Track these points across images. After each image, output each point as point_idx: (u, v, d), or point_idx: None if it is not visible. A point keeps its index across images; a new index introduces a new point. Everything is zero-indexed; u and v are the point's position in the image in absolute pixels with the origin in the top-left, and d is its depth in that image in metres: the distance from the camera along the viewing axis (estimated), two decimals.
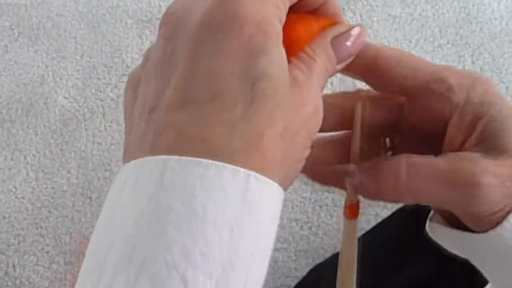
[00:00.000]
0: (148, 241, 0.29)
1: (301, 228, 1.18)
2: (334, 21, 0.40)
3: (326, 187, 0.45)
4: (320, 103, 0.35)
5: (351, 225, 0.45)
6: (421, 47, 1.42)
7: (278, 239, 1.17)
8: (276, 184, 0.32)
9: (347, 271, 0.46)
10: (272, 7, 0.33)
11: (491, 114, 0.36)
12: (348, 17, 1.48)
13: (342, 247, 0.46)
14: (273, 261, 1.14)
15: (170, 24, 0.35)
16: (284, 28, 0.34)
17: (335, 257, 0.89)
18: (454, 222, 0.40)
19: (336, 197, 1.20)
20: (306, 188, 1.22)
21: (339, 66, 0.38)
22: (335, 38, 0.38)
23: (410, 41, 1.43)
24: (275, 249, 1.14)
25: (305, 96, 0.33)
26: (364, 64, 0.41)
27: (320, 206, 1.20)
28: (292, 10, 0.35)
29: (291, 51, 0.34)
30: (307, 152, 0.34)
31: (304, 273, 1.03)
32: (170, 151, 0.30)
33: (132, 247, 0.29)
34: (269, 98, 0.31)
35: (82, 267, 0.32)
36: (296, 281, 1.07)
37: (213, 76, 0.31)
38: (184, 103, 0.31)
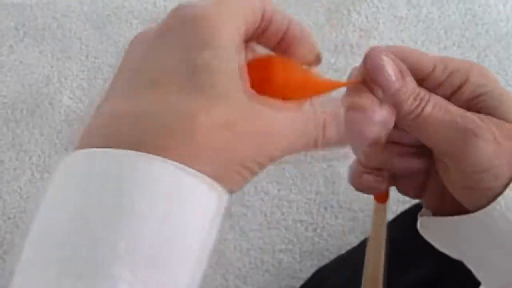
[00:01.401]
0: (75, 238, 0.29)
1: (306, 229, 1.18)
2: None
3: (330, 189, 0.45)
4: (285, 133, 0.34)
5: (381, 208, 0.46)
6: (426, 48, 1.42)
7: (283, 240, 1.17)
8: (207, 178, 0.31)
9: (375, 254, 0.47)
10: (228, 13, 0.33)
11: (487, 91, 0.39)
12: (354, 19, 1.48)
13: (371, 230, 0.47)
14: (278, 262, 1.14)
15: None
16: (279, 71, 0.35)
17: (340, 259, 0.89)
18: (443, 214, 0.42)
19: (341, 199, 1.20)
20: (311, 190, 1.22)
21: (346, 142, 0.38)
22: (352, 108, 0.37)
23: (416, 43, 1.43)
24: (280, 250, 1.14)
25: (266, 114, 0.33)
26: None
27: (325, 208, 1.20)
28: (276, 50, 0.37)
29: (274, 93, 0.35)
30: (257, 165, 0.33)
31: (309, 275, 1.03)
32: (105, 143, 0.30)
33: (61, 245, 0.29)
34: (210, 89, 0.31)
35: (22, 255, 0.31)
36: (301, 282, 1.07)
37: (155, 67, 0.32)
38: (126, 94, 0.32)
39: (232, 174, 0.32)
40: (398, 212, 0.89)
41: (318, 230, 1.17)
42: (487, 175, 0.37)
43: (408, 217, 0.83)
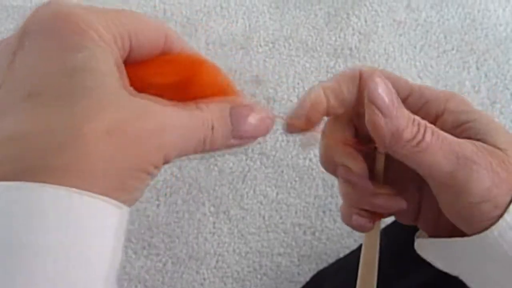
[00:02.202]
0: None
1: (304, 233, 1.18)
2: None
3: (329, 192, 0.46)
4: (176, 127, 0.32)
5: (372, 229, 0.46)
6: (425, 52, 1.42)
7: (281, 243, 1.17)
8: (101, 198, 0.28)
9: (368, 268, 0.47)
10: (95, 16, 0.31)
11: (474, 119, 0.39)
12: (353, 23, 1.48)
13: (363, 250, 0.47)
14: (276, 266, 1.14)
15: None
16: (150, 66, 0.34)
17: (338, 263, 0.89)
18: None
19: (340, 202, 1.20)
20: (309, 193, 1.21)
21: (234, 141, 0.35)
22: (236, 107, 0.35)
23: (415, 47, 1.43)
24: (278, 254, 1.14)
25: (156, 112, 0.31)
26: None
27: (324, 211, 1.19)
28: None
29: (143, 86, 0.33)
30: (153, 167, 0.31)
31: (307, 278, 1.03)
32: None
33: None
34: (89, 91, 0.29)
35: None
36: (299, 286, 1.07)
37: (27, 75, 0.29)
38: (2, 109, 0.29)
39: (130, 182, 0.30)
40: None
41: (317, 234, 1.17)
42: (487, 205, 0.37)
43: None
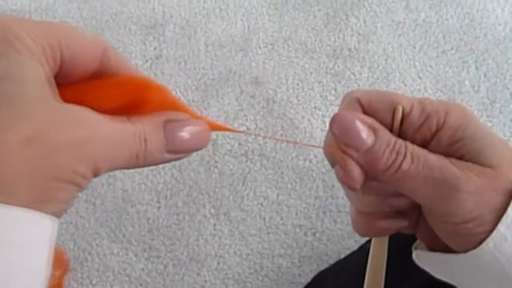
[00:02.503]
0: None
1: (305, 234, 1.18)
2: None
3: (329, 193, 0.45)
4: (103, 139, 0.31)
5: (380, 240, 0.46)
6: (425, 53, 1.42)
7: (282, 245, 1.17)
8: (21, 210, 0.27)
9: (376, 274, 0.47)
10: (22, 26, 0.30)
11: (467, 136, 0.38)
12: (352, 23, 1.48)
13: (372, 249, 0.47)
14: (277, 267, 1.14)
15: None
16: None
17: (339, 263, 0.89)
18: (436, 249, 0.42)
19: (340, 203, 1.20)
20: (310, 194, 1.21)
21: (168, 156, 0.35)
22: (170, 121, 0.35)
23: (414, 47, 1.43)
24: (279, 255, 1.14)
25: (83, 121, 0.30)
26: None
27: (324, 212, 1.19)
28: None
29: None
30: (80, 177, 0.30)
31: (309, 279, 1.03)
32: None
33: None
34: (15, 100, 0.28)
35: None
36: (300, 287, 1.07)
37: None
38: None
39: (53, 192, 0.29)
40: None
41: (317, 235, 1.17)
42: (471, 224, 0.37)
43: None
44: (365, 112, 0.40)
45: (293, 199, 1.21)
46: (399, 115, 0.39)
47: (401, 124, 0.40)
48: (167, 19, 1.51)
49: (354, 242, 1.16)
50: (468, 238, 0.38)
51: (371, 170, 0.38)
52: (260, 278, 1.13)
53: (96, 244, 1.19)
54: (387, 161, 0.38)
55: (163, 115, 0.34)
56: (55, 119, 0.29)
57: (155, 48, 1.48)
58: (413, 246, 0.45)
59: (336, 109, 1.32)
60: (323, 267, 1.10)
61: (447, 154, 0.39)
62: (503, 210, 0.37)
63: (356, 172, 0.38)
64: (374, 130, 0.38)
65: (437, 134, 0.39)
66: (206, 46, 1.47)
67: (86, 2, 1.59)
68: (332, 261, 1.11)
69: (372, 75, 1.39)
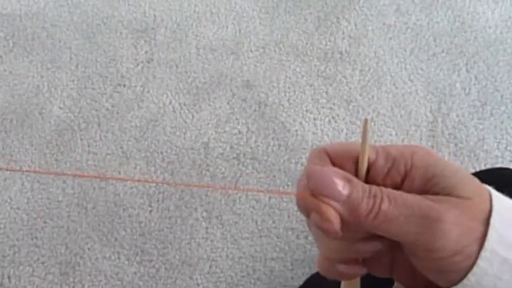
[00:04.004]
0: None
1: (297, 237, 1.18)
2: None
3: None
4: None
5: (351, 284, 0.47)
6: (415, 56, 1.43)
7: (274, 248, 1.17)
8: None
9: None
10: None
11: (438, 173, 0.39)
12: (343, 26, 1.49)
13: None
14: (270, 271, 1.14)
15: None
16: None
17: None
18: None
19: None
20: None
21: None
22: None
23: (405, 50, 1.44)
24: (271, 259, 1.14)
25: None
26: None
27: None
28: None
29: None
30: None
31: (301, 282, 1.03)
32: None
33: None
34: None
35: None
36: None
37: None
38: None
39: None
40: None
41: (310, 238, 1.17)
42: (458, 257, 0.37)
43: None
44: (332, 163, 0.41)
45: (285, 202, 1.21)
46: (366, 133, 0.41)
47: (368, 172, 0.41)
48: (158, 23, 1.51)
49: None
50: (456, 272, 0.38)
51: (353, 218, 0.39)
52: (252, 281, 1.13)
53: (88, 248, 1.19)
54: (367, 206, 0.38)
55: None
56: None
57: (146, 52, 1.48)
58: None
59: (327, 112, 1.33)
60: (315, 270, 1.09)
61: (423, 193, 0.39)
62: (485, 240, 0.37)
63: (334, 214, 0.39)
64: (348, 181, 0.39)
65: (408, 176, 0.40)
66: (197, 49, 1.47)
67: (77, 6, 1.59)
68: None
69: (363, 78, 1.39)
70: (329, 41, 1.46)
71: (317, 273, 1.01)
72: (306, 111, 1.34)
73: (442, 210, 0.37)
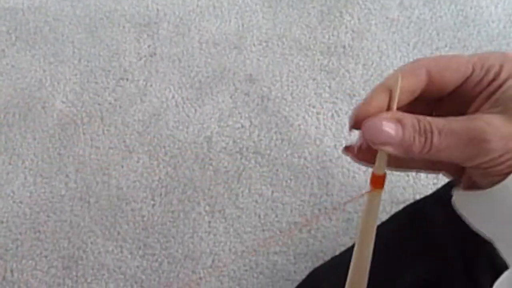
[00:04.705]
0: None
1: (300, 231, 1.18)
2: None
3: (324, 190, 0.45)
4: None
5: (374, 197, 0.46)
6: (419, 50, 1.42)
7: (277, 242, 1.17)
8: None
9: (363, 246, 0.48)
10: None
11: (509, 84, 0.41)
12: (346, 20, 1.48)
13: (362, 221, 0.48)
14: (272, 265, 1.14)
15: None
16: None
17: (334, 260, 0.89)
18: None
19: (335, 200, 1.20)
20: (304, 191, 1.22)
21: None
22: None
23: (408, 44, 1.44)
24: (274, 252, 1.14)
25: None
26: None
27: (319, 209, 1.20)
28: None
29: None
30: None
31: (304, 276, 1.03)
32: None
33: None
34: None
35: None
36: (295, 284, 1.07)
37: None
38: None
39: None
40: (392, 212, 0.89)
41: (312, 232, 1.17)
42: (506, 156, 0.39)
43: (400, 219, 0.83)
44: (431, 78, 0.43)
45: (288, 196, 1.21)
46: (397, 85, 0.42)
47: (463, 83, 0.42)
48: (161, 17, 1.51)
49: (349, 239, 1.16)
50: (500, 176, 0.40)
51: (409, 155, 0.41)
52: (255, 275, 1.13)
53: (91, 242, 1.19)
54: (420, 144, 0.40)
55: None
56: None
57: (149, 46, 1.48)
58: (453, 189, 0.47)
59: (330, 106, 1.32)
60: (318, 264, 1.10)
61: (487, 99, 0.41)
62: None
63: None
64: (399, 121, 0.40)
65: (490, 84, 0.42)
66: (200, 44, 1.47)
67: (80, 0, 1.59)
68: (327, 258, 1.11)
69: (366, 72, 1.39)
70: (332, 35, 1.46)
71: (320, 267, 1.01)
72: (309, 105, 1.34)
73: (487, 130, 0.39)
